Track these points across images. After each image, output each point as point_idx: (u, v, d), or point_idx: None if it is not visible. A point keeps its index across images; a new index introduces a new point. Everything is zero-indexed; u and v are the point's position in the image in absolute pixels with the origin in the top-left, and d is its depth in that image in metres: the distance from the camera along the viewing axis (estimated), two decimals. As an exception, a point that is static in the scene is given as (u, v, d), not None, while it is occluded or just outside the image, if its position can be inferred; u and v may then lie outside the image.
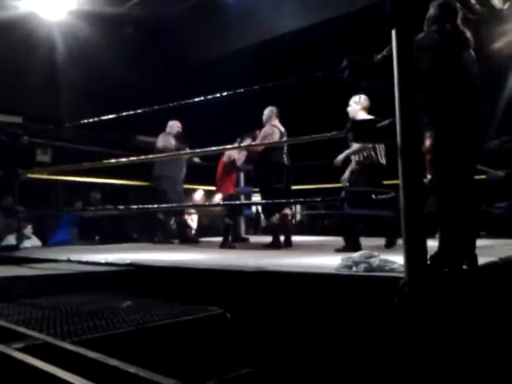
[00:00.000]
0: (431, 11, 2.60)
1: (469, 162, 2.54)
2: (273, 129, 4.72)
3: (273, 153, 4.66)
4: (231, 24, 7.89)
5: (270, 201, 4.60)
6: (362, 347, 2.07)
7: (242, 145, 5.07)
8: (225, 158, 5.39)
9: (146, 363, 1.37)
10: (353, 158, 4.28)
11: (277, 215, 4.68)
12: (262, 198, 4.91)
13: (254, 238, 6.04)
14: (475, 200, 2.59)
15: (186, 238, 5.80)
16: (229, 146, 4.74)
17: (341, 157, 4.29)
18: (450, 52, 2.50)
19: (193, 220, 7.95)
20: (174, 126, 5.88)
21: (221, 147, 3.20)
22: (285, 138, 4.77)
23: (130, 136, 8.62)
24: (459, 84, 2.46)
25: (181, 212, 5.84)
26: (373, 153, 4.14)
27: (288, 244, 4.68)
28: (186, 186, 6.21)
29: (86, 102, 7.26)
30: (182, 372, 1.66)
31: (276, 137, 4.67)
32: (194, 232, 7.87)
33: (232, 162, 5.35)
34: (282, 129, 4.79)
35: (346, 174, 4.34)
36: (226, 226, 5.17)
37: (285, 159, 4.71)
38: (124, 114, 4.17)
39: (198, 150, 3.83)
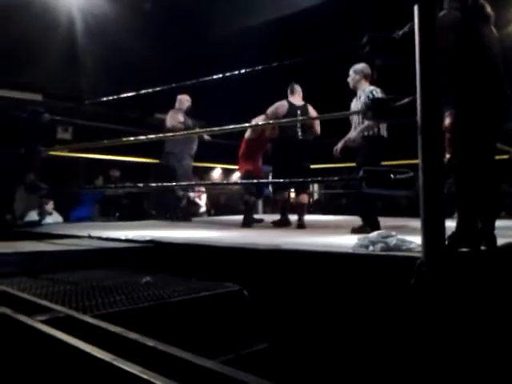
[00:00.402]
0: None
1: (489, 142, 2.50)
2: (281, 103, 4.68)
3: (284, 128, 4.63)
4: (247, 1, 7.77)
5: (288, 179, 4.50)
6: (378, 327, 2.09)
7: (251, 124, 4.96)
8: (246, 135, 5.23)
9: (164, 337, 1.41)
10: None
11: (286, 193, 4.70)
12: (272, 175, 4.87)
13: (271, 217, 6.05)
14: (495, 180, 2.55)
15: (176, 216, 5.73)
16: (238, 126, 4.68)
17: (339, 145, 4.18)
18: (473, 30, 2.45)
19: (201, 199, 8.01)
20: (183, 100, 5.77)
21: (232, 126, 3.17)
22: (299, 113, 4.64)
23: (148, 114, 8.66)
24: (481, 62, 2.42)
25: (184, 189, 5.81)
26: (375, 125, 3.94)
27: (300, 226, 4.53)
28: (204, 165, 6.21)
29: (105, 79, 7.27)
30: (200, 346, 1.70)
31: (282, 110, 4.61)
32: (202, 210, 7.95)
33: (253, 139, 5.15)
34: (297, 103, 4.70)
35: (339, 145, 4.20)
36: (245, 204, 5.15)
37: (299, 133, 4.61)
38: (143, 91, 4.19)
39: (214, 128, 3.80)
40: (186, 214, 5.89)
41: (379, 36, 2.40)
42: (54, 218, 6.65)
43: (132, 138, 3.87)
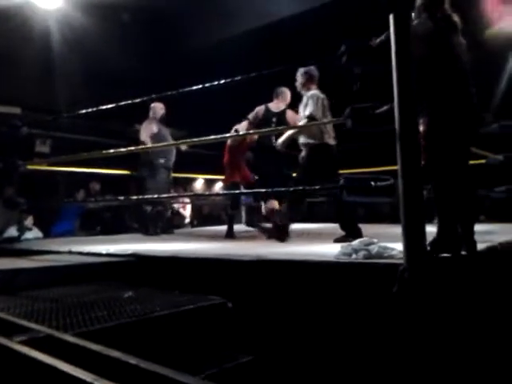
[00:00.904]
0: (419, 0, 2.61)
1: (463, 147, 2.55)
2: (259, 108, 4.65)
3: (260, 135, 4.58)
4: (230, 9, 7.81)
5: (264, 189, 4.42)
6: (362, 334, 2.09)
7: (232, 134, 4.91)
8: (228, 142, 5.09)
9: (148, 353, 1.39)
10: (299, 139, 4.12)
11: (272, 202, 4.57)
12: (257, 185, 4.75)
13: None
14: (471, 185, 2.59)
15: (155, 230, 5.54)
16: (219, 136, 4.66)
17: (283, 138, 4.15)
18: (443, 40, 2.51)
19: (185, 209, 7.92)
20: (157, 108, 5.54)
21: (213, 137, 3.16)
22: (274, 120, 4.56)
23: (129, 125, 8.60)
24: (452, 71, 2.48)
25: (159, 202, 5.55)
26: (318, 132, 3.94)
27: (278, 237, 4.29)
28: (186, 175, 6.12)
29: (85, 91, 7.22)
30: (184, 361, 1.68)
31: (258, 115, 4.59)
32: (187, 221, 7.87)
33: (235, 146, 5.02)
34: (275, 109, 4.62)
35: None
36: (229, 217, 5.13)
37: (274, 141, 4.46)
38: (122, 103, 4.16)
39: (195, 139, 3.77)
40: (167, 226, 5.78)
41: (356, 45, 2.43)
42: (33, 233, 6.52)
43: (112, 151, 3.84)
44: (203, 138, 3.26)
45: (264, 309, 2.34)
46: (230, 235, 4.87)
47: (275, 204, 4.58)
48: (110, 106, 4.06)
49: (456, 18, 2.59)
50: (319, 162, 3.89)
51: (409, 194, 2.05)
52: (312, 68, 3.97)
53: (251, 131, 4.66)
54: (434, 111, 2.42)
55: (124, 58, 7.17)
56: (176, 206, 7.45)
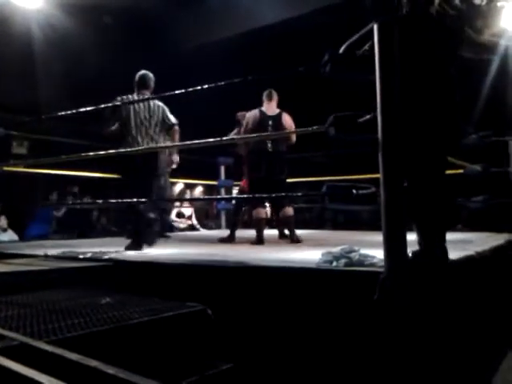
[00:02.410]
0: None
1: (438, 157, 2.57)
2: (253, 112, 4.52)
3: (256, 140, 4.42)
4: (213, 14, 7.82)
5: (250, 195, 4.49)
6: (343, 342, 2.09)
7: (227, 137, 4.92)
8: (242, 151, 5.06)
9: (126, 362, 1.36)
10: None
11: (258, 210, 4.47)
12: (249, 191, 4.67)
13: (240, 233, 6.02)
14: (446, 194, 2.61)
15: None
16: (211, 140, 4.66)
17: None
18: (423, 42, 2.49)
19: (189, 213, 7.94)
20: None
21: (202, 141, 3.15)
22: (270, 123, 4.44)
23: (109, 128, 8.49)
24: (430, 76, 2.47)
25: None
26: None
27: (295, 240, 4.36)
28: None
29: (65, 93, 7.11)
30: (164, 370, 1.65)
31: (253, 120, 4.45)
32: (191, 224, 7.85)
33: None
34: (270, 113, 4.51)
35: None
36: (232, 222, 5.16)
37: (268, 146, 4.41)
38: (103, 106, 4.10)
39: (187, 142, 3.75)
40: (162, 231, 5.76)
41: (340, 54, 2.44)
42: (8, 235, 6.39)
43: (91, 153, 3.78)
44: (196, 142, 3.24)
45: (244, 316, 2.32)
46: (227, 240, 4.85)
47: (290, 211, 4.48)
48: (89, 108, 4.01)
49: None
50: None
51: (390, 203, 2.06)
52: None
53: (244, 135, 4.58)
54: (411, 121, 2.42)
55: (105, 59, 7.10)
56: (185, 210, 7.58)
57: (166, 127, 4.24)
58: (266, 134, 4.35)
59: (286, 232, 4.68)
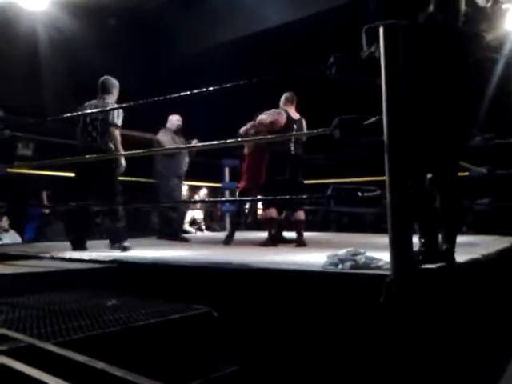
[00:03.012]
0: None
1: (449, 159, 2.56)
2: (279, 111, 4.41)
3: (276, 142, 4.31)
4: (219, 16, 7.83)
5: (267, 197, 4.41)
6: (349, 345, 2.08)
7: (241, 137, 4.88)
8: (247, 148, 5.06)
9: (132, 364, 1.36)
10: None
11: (271, 210, 4.38)
12: (262, 191, 4.61)
13: (238, 234, 6.02)
14: (455, 197, 2.61)
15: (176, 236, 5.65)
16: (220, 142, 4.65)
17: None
18: (429, 45, 2.48)
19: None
20: (174, 120, 5.71)
21: (213, 142, 3.16)
22: (295, 127, 4.37)
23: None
24: (440, 80, 2.47)
25: (172, 208, 5.66)
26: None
27: (301, 243, 4.29)
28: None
29: (70, 94, 7.14)
30: (169, 372, 1.65)
31: (281, 120, 4.33)
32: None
33: (256, 151, 4.93)
34: (295, 116, 4.44)
35: None
36: (232, 224, 5.21)
37: (292, 148, 4.35)
38: (108, 108, 4.13)
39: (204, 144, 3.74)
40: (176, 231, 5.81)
41: (345, 56, 2.44)
42: (11, 236, 6.39)
43: (95, 156, 3.79)
44: (207, 143, 3.25)
45: (249, 318, 2.32)
46: (228, 241, 4.86)
47: (302, 215, 4.43)
48: (95, 110, 4.03)
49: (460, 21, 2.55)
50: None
51: (396, 205, 2.05)
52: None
53: (257, 137, 4.52)
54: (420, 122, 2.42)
55: (111, 62, 7.12)
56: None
57: None
58: (271, 137, 4.33)
59: (292, 235, 4.65)
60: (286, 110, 4.44)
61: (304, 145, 4.55)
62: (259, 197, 4.98)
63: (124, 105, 3.94)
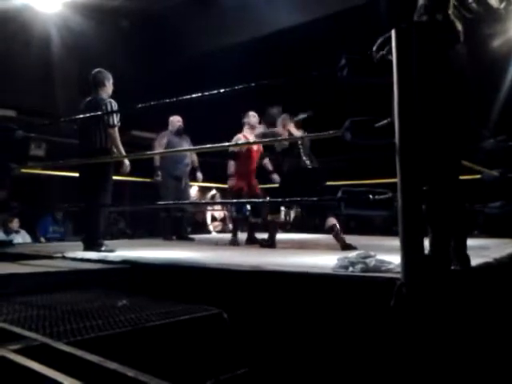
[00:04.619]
0: (421, 0, 2.56)
1: (453, 162, 2.54)
2: (284, 132, 4.42)
3: (290, 158, 4.37)
4: (227, 18, 7.86)
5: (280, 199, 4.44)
6: (359, 348, 2.08)
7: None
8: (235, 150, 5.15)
9: (143, 364, 1.36)
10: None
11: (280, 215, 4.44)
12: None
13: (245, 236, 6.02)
14: (462, 200, 2.59)
15: (183, 236, 5.79)
16: (226, 144, 4.70)
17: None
18: (439, 46, 2.45)
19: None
20: (174, 121, 5.78)
21: (217, 144, 3.18)
22: (299, 142, 4.39)
23: (125, 131, 8.57)
24: (445, 81, 2.45)
25: (178, 208, 5.79)
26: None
27: (348, 247, 4.11)
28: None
29: (82, 95, 7.20)
30: (180, 373, 1.66)
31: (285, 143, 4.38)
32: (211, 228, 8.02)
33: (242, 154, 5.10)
34: (298, 133, 4.47)
35: None
36: (234, 224, 5.32)
37: (307, 162, 4.36)
38: (107, 104, 4.13)
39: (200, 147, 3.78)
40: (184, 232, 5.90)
41: (357, 58, 2.44)
42: (22, 237, 6.46)
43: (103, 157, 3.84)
44: (207, 146, 3.27)
45: (260, 320, 2.32)
46: (234, 242, 4.98)
47: (332, 220, 4.29)
48: (99, 113, 4.05)
49: (459, 26, 2.52)
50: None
51: (408, 208, 2.04)
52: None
53: (252, 140, 4.60)
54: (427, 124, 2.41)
55: (121, 63, 7.17)
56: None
57: None
58: (279, 139, 4.33)
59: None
60: (290, 130, 4.47)
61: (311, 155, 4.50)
62: (268, 199, 5.00)
63: (138, 105, 3.95)
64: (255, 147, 5.10)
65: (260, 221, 5.37)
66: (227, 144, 4.68)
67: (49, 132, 6.24)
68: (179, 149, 5.37)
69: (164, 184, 5.62)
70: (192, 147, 5.58)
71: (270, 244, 4.43)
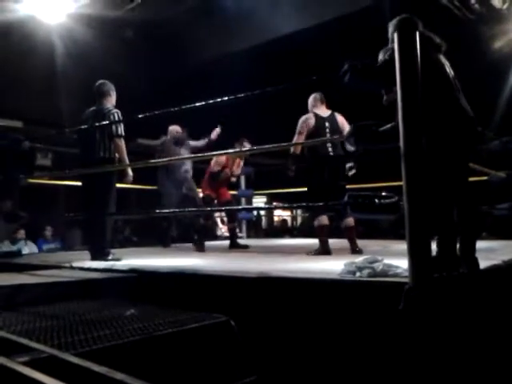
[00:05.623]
0: (391, 30, 2.58)
1: (459, 165, 2.53)
2: (306, 116, 4.32)
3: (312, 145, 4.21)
4: (230, 26, 7.89)
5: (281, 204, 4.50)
6: (367, 353, 2.06)
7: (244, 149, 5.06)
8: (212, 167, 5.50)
9: (151, 373, 1.36)
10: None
11: (323, 217, 4.13)
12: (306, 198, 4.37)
13: (254, 242, 6.02)
14: (470, 202, 2.57)
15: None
16: (230, 150, 4.74)
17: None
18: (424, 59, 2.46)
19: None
20: (173, 131, 5.85)
21: (222, 151, 3.19)
22: (327, 125, 4.25)
23: (130, 139, 8.61)
24: (440, 89, 2.46)
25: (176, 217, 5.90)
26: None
27: (358, 251, 3.98)
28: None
29: (86, 105, 7.25)
30: (188, 381, 1.65)
31: (309, 123, 4.25)
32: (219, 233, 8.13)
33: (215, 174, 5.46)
34: (324, 114, 4.33)
35: None
36: (230, 230, 5.47)
37: (329, 149, 4.19)
38: (113, 114, 4.16)
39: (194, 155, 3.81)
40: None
41: (359, 64, 2.43)
42: (29, 247, 6.49)
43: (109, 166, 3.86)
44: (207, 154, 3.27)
45: (267, 326, 2.31)
46: (233, 246, 5.15)
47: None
48: (106, 122, 4.07)
49: (437, 39, 2.58)
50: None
51: (414, 212, 2.03)
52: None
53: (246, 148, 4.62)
54: (429, 130, 2.40)
55: (125, 73, 7.21)
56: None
57: None
58: (289, 144, 4.30)
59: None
60: (314, 111, 4.36)
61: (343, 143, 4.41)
62: (275, 204, 5.04)
63: (140, 115, 3.97)
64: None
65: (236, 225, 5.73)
66: (231, 151, 4.73)
67: (55, 142, 6.27)
68: (178, 157, 5.44)
69: (164, 192, 5.71)
70: (191, 155, 5.58)
71: (320, 251, 4.08)
